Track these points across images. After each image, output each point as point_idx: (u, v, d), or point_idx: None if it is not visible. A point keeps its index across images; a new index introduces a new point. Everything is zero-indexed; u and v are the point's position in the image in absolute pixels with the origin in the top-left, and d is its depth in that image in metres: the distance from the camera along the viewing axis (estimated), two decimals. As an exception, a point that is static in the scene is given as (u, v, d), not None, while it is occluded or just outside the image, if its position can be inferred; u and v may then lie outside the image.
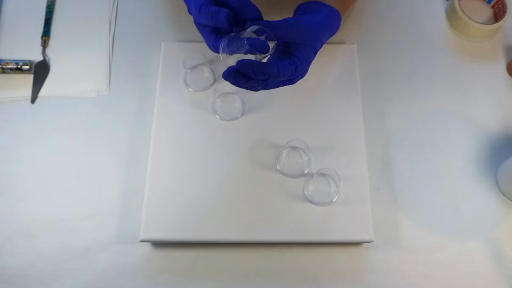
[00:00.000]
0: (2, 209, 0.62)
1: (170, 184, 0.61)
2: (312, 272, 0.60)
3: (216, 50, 0.51)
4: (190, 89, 0.67)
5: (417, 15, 0.76)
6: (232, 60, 0.49)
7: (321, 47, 0.54)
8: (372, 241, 0.59)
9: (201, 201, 0.60)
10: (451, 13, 0.75)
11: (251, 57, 0.48)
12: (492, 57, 0.73)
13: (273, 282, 0.59)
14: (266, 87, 0.51)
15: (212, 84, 0.67)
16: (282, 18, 0.50)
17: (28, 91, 0.68)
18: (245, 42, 0.47)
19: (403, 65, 0.72)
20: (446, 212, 0.63)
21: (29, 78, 0.69)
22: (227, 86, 0.55)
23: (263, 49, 0.47)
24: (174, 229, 0.59)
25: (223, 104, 0.66)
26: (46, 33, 0.72)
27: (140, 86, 0.69)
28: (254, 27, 0.48)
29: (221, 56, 0.49)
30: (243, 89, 0.51)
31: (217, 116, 0.65)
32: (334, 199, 0.61)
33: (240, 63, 0.47)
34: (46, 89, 0.69)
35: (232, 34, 0.49)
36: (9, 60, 0.69)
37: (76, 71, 0.70)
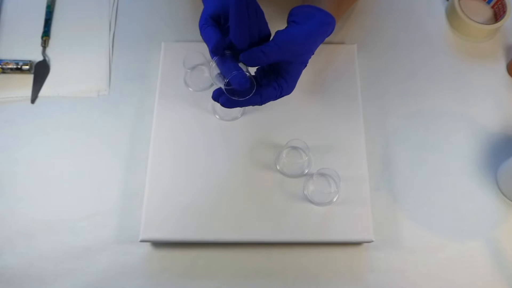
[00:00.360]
0: (2, 209, 0.62)
1: (170, 184, 0.61)
2: (312, 272, 0.60)
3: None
4: (190, 89, 0.67)
5: (417, 15, 0.76)
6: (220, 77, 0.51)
7: (310, 57, 0.54)
8: (372, 241, 0.59)
9: (201, 201, 0.60)
10: (451, 13, 0.75)
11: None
12: (492, 57, 0.73)
13: (273, 282, 0.59)
14: (261, 100, 0.53)
15: (212, 84, 0.67)
16: (278, 15, 0.50)
17: (28, 91, 0.68)
18: (227, 80, 0.49)
19: (403, 65, 0.72)
20: (446, 212, 0.63)
21: (29, 78, 0.69)
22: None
23: (243, 86, 0.48)
24: (174, 229, 0.59)
25: (223, 104, 0.66)
26: (46, 33, 0.72)
27: (140, 86, 0.69)
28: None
29: (210, 66, 0.51)
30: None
31: (217, 116, 0.65)
32: (334, 199, 0.61)
33: (223, 101, 0.51)
34: (46, 89, 0.69)
35: (226, 53, 0.50)
36: (9, 60, 0.69)
37: (76, 71, 0.70)
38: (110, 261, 0.60)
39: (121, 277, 0.59)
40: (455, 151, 0.67)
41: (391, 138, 0.67)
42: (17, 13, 0.74)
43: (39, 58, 0.70)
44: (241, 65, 0.49)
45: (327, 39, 0.56)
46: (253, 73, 0.54)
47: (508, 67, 0.72)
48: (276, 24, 0.55)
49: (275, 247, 0.61)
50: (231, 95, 0.50)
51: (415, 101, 0.70)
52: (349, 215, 0.60)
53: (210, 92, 0.66)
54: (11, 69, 0.68)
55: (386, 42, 0.74)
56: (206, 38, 0.50)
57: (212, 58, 0.50)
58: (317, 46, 0.54)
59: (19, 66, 0.68)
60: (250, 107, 0.65)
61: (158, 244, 0.61)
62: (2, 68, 0.68)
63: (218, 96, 0.51)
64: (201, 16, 0.51)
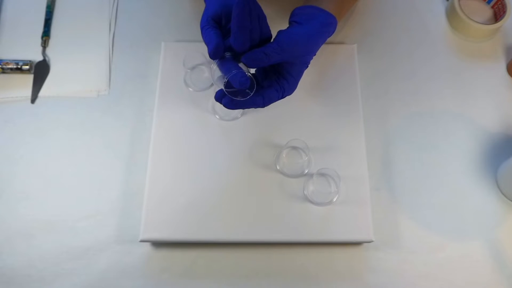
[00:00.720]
0: (2, 209, 0.62)
1: (170, 184, 0.61)
2: (312, 272, 0.60)
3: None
4: (190, 89, 0.67)
5: (417, 15, 0.76)
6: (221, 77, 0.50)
7: (312, 58, 0.54)
8: (372, 241, 0.59)
9: (201, 201, 0.60)
10: (451, 13, 0.75)
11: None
12: (492, 57, 0.73)
13: (273, 282, 0.59)
14: (263, 101, 0.53)
15: (212, 84, 0.67)
16: (279, 16, 0.50)
17: (28, 91, 0.68)
18: (226, 79, 0.48)
19: (403, 65, 0.72)
20: (446, 212, 0.63)
21: (29, 78, 0.69)
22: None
23: (243, 85, 0.48)
24: (174, 229, 0.59)
25: (223, 104, 0.66)
26: (46, 33, 0.72)
27: (140, 86, 0.69)
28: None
29: (211, 69, 0.51)
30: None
31: (217, 116, 0.65)
32: (334, 199, 0.61)
33: (226, 102, 0.50)
34: (46, 89, 0.69)
35: (226, 55, 0.50)
36: (9, 60, 0.69)
37: (76, 71, 0.70)
38: (110, 261, 0.60)
39: (121, 277, 0.59)
40: (455, 151, 0.67)
41: (391, 138, 0.67)
42: (17, 13, 0.74)
43: (39, 58, 0.70)
44: (241, 65, 0.49)
45: (327, 39, 0.56)
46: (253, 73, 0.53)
47: (508, 67, 0.72)
48: (277, 25, 0.55)
49: (275, 247, 0.61)
50: (233, 97, 0.50)
51: (415, 101, 0.70)
52: (349, 215, 0.60)
53: (210, 92, 0.67)
54: (11, 69, 0.68)
55: (386, 42, 0.74)
56: (206, 41, 0.49)
57: (213, 60, 0.50)
58: (319, 46, 0.54)
59: (19, 66, 0.68)
60: (250, 107, 0.65)
61: (158, 244, 0.61)
62: (2, 68, 0.68)
63: (221, 97, 0.51)
64: (202, 17, 0.51)
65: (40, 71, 0.69)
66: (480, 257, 0.61)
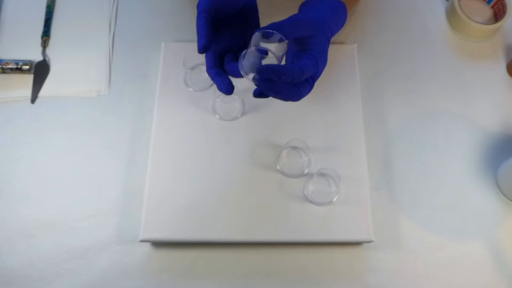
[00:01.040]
0: (2, 209, 0.62)
1: (170, 184, 0.61)
2: (312, 272, 0.60)
3: (236, 74, 0.51)
4: (190, 89, 0.67)
5: (417, 16, 0.76)
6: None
7: (332, 36, 0.53)
8: (372, 241, 0.59)
9: (201, 201, 0.60)
10: (451, 13, 0.75)
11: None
12: (492, 57, 0.73)
13: (273, 282, 0.59)
14: (299, 90, 0.49)
15: (212, 84, 0.67)
16: (280, 17, 0.50)
17: (28, 91, 0.68)
18: (255, 50, 0.47)
19: (403, 65, 0.72)
20: (446, 212, 0.63)
21: (29, 78, 0.69)
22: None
23: (284, 49, 0.47)
24: (174, 229, 0.59)
25: (223, 104, 0.65)
26: (46, 33, 0.72)
27: (140, 86, 0.69)
28: (258, 34, 0.47)
29: (246, 77, 0.49)
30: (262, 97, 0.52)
31: (217, 116, 0.65)
32: (334, 199, 0.61)
33: (260, 68, 0.46)
34: (46, 89, 0.69)
35: (243, 52, 0.49)
36: (9, 60, 0.69)
37: (76, 71, 0.70)
38: (110, 261, 0.60)
39: (121, 277, 0.59)
40: (455, 151, 0.67)
41: (391, 138, 0.67)
42: (17, 13, 0.74)
43: (39, 58, 0.70)
44: (271, 47, 0.48)
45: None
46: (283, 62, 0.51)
47: (508, 67, 0.72)
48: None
49: (275, 247, 0.61)
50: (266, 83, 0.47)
51: (415, 101, 0.70)
52: (349, 215, 0.60)
53: (210, 92, 0.67)
54: (11, 69, 0.68)
55: (386, 42, 0.74)
56: (198, 33, 0.50)
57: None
58: (334, 26, 0.53)
59: (19, 66, 0.68)
60: (250, 107, 0.65)
61: (158, 244, 0.61)
62: (2, 68, 0.68)
63: (259, 84, 0.48)
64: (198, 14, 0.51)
65: (40, 71, 0.69)
66: (480, 257, 0.61)
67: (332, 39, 0.57)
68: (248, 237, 0.59)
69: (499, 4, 0.74)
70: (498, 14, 0.75)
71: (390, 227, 0.62)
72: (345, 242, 0.61)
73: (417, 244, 0.61)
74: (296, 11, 0.55)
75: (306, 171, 0.62)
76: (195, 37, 0.50)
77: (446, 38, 0.74)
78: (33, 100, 0.68)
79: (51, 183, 0.63)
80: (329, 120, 0.65)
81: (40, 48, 0.71)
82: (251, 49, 0.47)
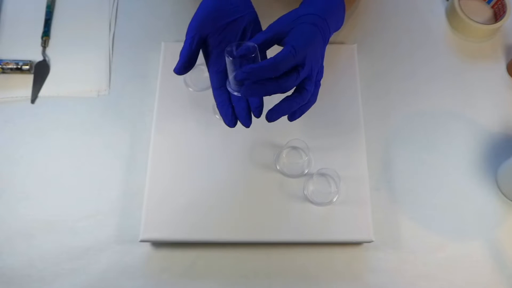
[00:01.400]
0: (2, 209, 0.62)
1: (170, 184, 0.61)
2: (312, 272, 0.60)
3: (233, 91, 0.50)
4: (190, 89, 0.67)
5: (417, 16, 0.76)
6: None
7: (324, 20, 0.49)
8: (372, 241, 0.59)
9: (201, 201, 0.60)
10: (451, 13, 0.75)
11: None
12: (492, 57, 0.73)
13: (273, 282, 0.59)
14: (286, 83, 0.47)
15: (212, 84, 0.67)
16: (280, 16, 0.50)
17: (28, 91, 0.68)
18: (234, 52, 0.48)
19: (403, 65, 0.72)
20: (446, 212, 0.63)
21: (29, 78, 0.69)
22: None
23: (249, 49, 0.47)
24: (174, 229, 0.59)
25: (223, 104, 0.65)
26: (46, 33, 0.72)
27: (140, 86, 0.69)
28: (230, 47, 0.49)
29: (237, 94, 0.49)
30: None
31: (217, 116, 0.65)
32: (334, 199, 0.61)
33: (237, 74, 0.45)
34: (46, 89, 0.69)
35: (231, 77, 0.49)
36: (9, 60, 0.69)
37: (76, 71, 0.70)
38: (110, 261, 0.60)
39: (121, 277, 0.59)
40: (455, 151, 0.67)
41: (391, 138, 0.67)
42: (17, 13, 0.74)
43: (39, 58, 0.70)
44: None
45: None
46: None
47: (508, 67, 0.72)
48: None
49: (275, 247, 0.61)
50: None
51: (415, 101, 0.70)
52: (349, 215, 0.60)
53: (210, 92, 0.66)
54: (11, 69, 0.68)
55: (386, 42, 0.74)
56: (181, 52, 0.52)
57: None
58: (327, 13, 0.50)
59: (19, 66, 0.68)
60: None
61: (158, 244, 0.61)
62: (2, 68, 0.68)
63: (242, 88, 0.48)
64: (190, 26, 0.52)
65: (40, 71, 0.69)
66: (480, 257, 0.61)
67: (332, 39, 0.57)
68: (248, 237, 0.59)
69: (499, 4, 0.74)
70: (498, 14, 0.75)
71: (390, 227, 0.62)
72: (345, 242, 0.61)
73: (417, 244, 0.61)
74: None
75: (306, 171, 0.62)
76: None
77: (446, 38, 0.74)
78: (33, 100, 0.68)
79: (51, 183, 0.63)
80: (329, 120, 0.65)
81: (40, 48, 0.71)
82: (227, 60, 0.48)
